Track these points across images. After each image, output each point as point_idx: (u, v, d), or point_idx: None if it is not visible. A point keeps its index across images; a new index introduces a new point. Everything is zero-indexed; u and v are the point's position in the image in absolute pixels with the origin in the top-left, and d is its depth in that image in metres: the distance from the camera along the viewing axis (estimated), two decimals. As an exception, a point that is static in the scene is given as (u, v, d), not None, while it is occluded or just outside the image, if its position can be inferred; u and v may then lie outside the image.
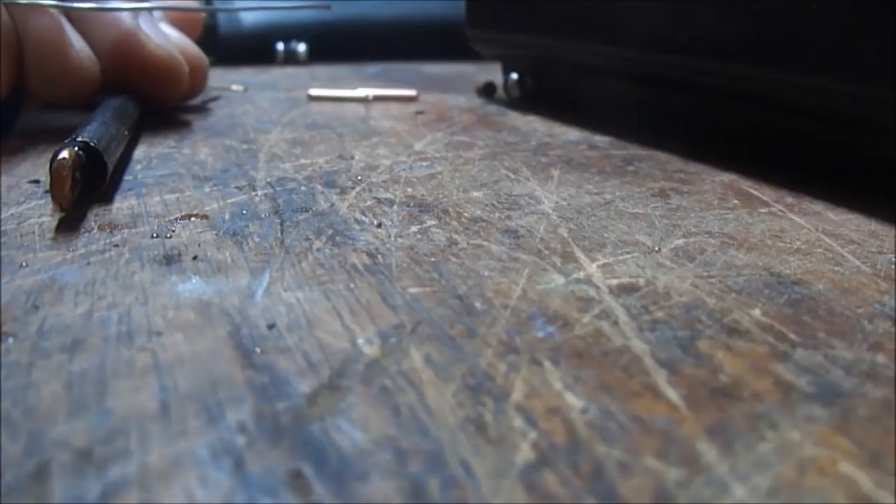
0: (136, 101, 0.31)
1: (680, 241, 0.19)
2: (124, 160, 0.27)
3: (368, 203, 0.22)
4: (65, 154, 0.20)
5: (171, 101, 0.35)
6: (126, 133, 0.26)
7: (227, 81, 0.48)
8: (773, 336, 0.14)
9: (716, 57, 0.27)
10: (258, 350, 0.13)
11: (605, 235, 0.20)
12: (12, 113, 0.31)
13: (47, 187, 0.23)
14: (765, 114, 0.27)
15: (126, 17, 0.32)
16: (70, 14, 0.31)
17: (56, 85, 0.30)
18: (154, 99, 0.34)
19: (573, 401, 0.12)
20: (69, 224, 0.20)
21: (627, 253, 0.19)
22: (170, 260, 0.18)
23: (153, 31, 0.33)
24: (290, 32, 0.62)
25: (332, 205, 0.22)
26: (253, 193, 0.23)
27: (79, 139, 0.21)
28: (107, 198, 0.22)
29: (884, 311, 0.15)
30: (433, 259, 0.18)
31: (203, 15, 0.42)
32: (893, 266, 0.18)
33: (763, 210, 0.22)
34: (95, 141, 0.21)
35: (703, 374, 0.13)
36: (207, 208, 0.21)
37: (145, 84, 0.33)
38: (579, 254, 0.18)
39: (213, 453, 0.10)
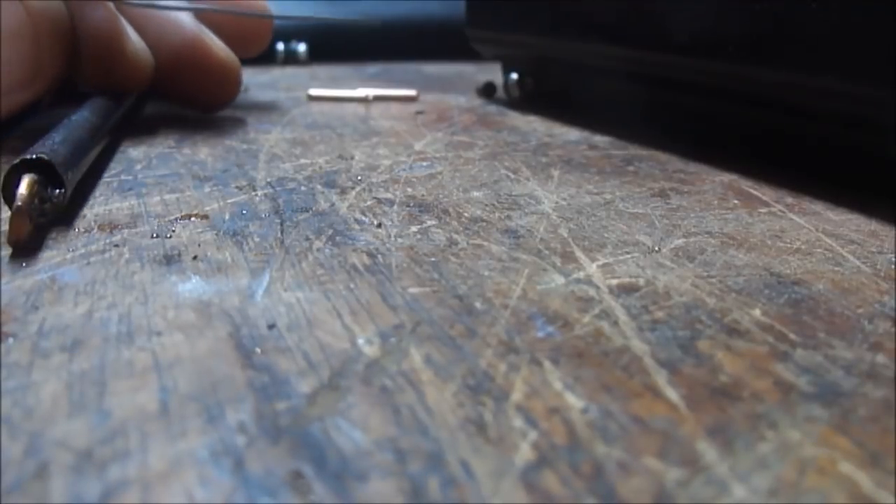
0: (112, 105, 0.30)
1: (680, 241, 0.19)
2: (102, 165, 0.26)
3: (368, 203, 0.22)
4: (23, 190, 0.18)
5: (225, 103, 0.35)
6: (95, 141, 0.25)
7: (227, 81, 0.48)
8: (773, 336, 0.14)
9: (716, 57, 0.27)
10: (258, 350, 0.13)
11: (605, 235, 0.20)
12: (27, 110, 0.31)
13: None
14: (765, 114, 0.27)
15: (188, 20, 0.32)
16: (124, 14, 0.31)
17: (110, 77, 0.30)
18: (210, 102, 0.35)
19: (573, 401, 0.12)
20: (69, 224, 0.20)
21: (627, 253, 0.19)
22: (170, 260, 0.18)
23: (209, 35, 0.33)
24: (290, 32, 0.62)
25: (332, 205, 0.22)
26: (253, 193, 0.23)
27: (35, 160, 0.19)
28: (67, 218, 0.20)
29: (884, 311, 0.15)
30: (433, 259, 0.18)
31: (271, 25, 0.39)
32: (893, 266, 0.18)
33: (763, 210, 0.22)
34: (58, 164, 0.19)
35: (703, 374, 0.13)
36: (207, 208, 0.21)
37: (207, 86, 0.33)
38: (579, 254, 0.18)
39: (213, 453, 0.10)
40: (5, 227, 0.19)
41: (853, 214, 0.22)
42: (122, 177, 0.25)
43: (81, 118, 0.25)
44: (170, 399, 0.12)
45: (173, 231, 0.20)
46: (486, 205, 0.22)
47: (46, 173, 0.19)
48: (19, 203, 0.18)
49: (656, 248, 0.19)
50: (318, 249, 0.18)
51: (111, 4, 0.30)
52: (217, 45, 0.33)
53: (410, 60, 0.62)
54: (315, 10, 0.64)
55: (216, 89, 0.34)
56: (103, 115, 0.27)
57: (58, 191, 0.19)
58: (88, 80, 0.31)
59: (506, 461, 0.10)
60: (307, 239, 0.19)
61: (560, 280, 0.17)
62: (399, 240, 0.19)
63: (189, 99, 0.35)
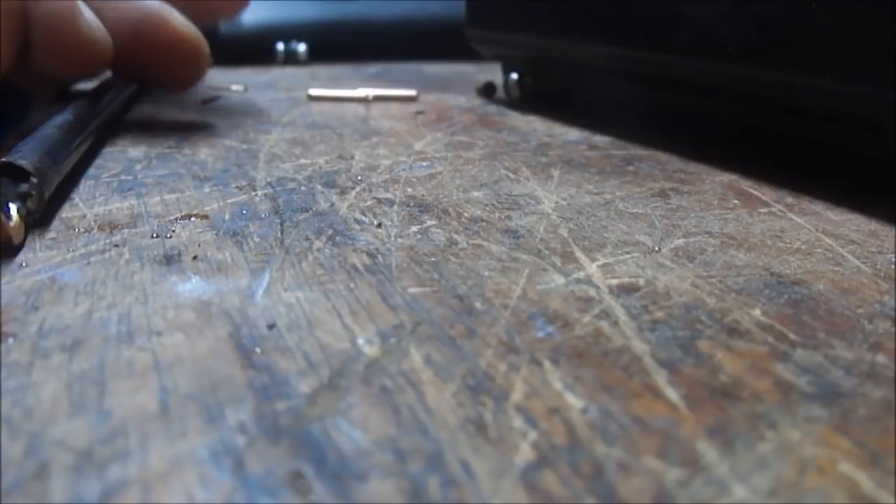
0: (94, 103, 0.29)
1: (680, 241, 0.19)
2: (102, 165, 0.26)
3: (368, 203, 0.22)
4: None
5: (190, 83, 0.34)
6: (72, 137, 0.24)
7: (227, 81, 0.48)
8: (773, 336, 0.14)
9: (716, 57, 0.27)
10: (258, 350, 0.13)
11: (605, 235, 0.20)
12: (19, 112, 0.31)
13: None
14: (765, 114, 0.27)
15: None
16: None
17: (65, 57, 0.28)
18: (174, 82, 0.33)
19: (573, 401, 0.12)
20: (69, 224, 0.20)
21: (627, 253, 0.19)
22: (170, 260, 0.18)
23: (169, 9, 0.31)
24: (290, 32, 0.62)
25: (332, 205, 0.22)
26: (253, 193, 0.23)
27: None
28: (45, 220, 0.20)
29: (884, 311, 0.15)
30: (433, 259, 0.18)
31: None
32: (893, 266, 0.18)
33: (763, 210, 0.22)
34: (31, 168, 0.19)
35: (703, 374, 0.13)
36: (207, 208, 0.21)
37: (169, 65, 0.31)
38: (579, 254, 0.18)
39: (213, 453, 0.10)
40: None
41: (853, 214, 0.22)
42: (122, 177, 0.25)
43: (61, 118, 0.25)
44: (170, 399, 0.12)
45: (173, 231, 0.20)
46: (486, 205, 0.22)
47: (14, 174, 0.19)
48: None
49: (656, 248, 0.19)
50: (318, 249, 0.18)
51: None
52: (177, 20, 0.31)
53: (410, 60, 0.62)
54: (315, 9, 0.64)
55: (179, 67, 0.32)
56: (84, 113, 0.27)
57: (24, 185, 0.19)
58: (41, 64, 0.29)
59: (506, 461, 0.10)
60: (307, 239, 0.19)
61: (560, 280, 0.17)
62: (399, 240, 0.19)
63: (153, 79, 0.33)
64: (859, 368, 0.13)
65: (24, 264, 0.17)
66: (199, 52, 0.32)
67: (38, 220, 0.19)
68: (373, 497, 0.10)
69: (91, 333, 0.14)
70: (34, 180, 0.19)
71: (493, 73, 0.46)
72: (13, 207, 0.18)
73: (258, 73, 0.55)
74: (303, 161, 0.27)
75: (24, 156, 0.19)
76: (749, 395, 0.12)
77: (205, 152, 0.28)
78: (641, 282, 0.17)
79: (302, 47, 0.62)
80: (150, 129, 0.32)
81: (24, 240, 0.18)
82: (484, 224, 0.20)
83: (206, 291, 0.16)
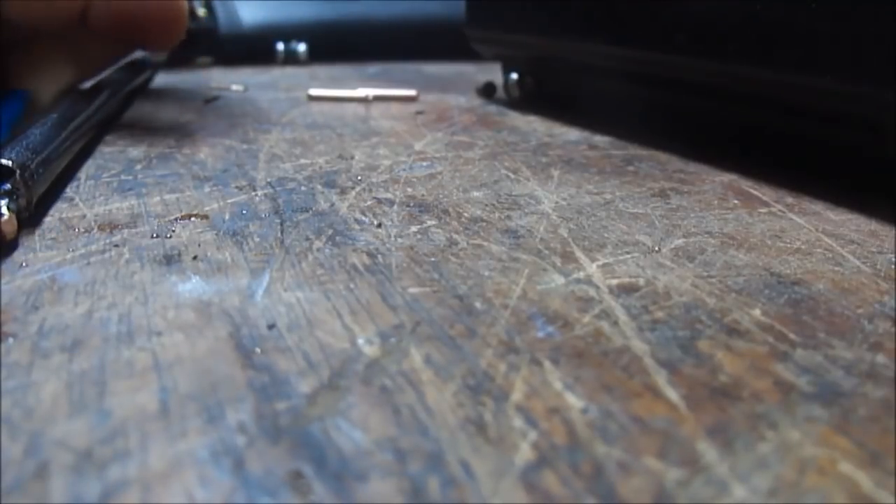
0: (87, 102, 0.29)
1: (680, 241, 0.19)
2: (102, 165, 0.27)
3: (368, 203, 0.22)
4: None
5: (166, 44, 0.32)
6: (58, 132, 0.24)
7: (227, 81, 0.48)
8: (773, 336, 0.14)
9: (716, 57, 0.27)
10: (258, 350, 0.13)
11: (605, 235, 0.20)
12: (20, 112, 0.30)
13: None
14: (765, 114, 0.27)
15: None
16: None
17: None
18: (150, 40, 0.32)
19: (573, 401, 0.12)
20: (69, 224, 0.20)
21: (627, 253, 0.19)
22: (170, 260, 0.18)
23: None
24: (290, 32, 0.62)
25: (332, 205, 0.22)
26: (253, 193, 0.23)
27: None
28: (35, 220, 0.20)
29: (884, 311, 0.15)
30: (433, 259, 0.18)
31: None
32: (893, 266, 0.18)
33: (763, 210, 0.22)
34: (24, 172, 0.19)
35: (703, 374, 0.13)
36: (207, 208, 0.21)
37: (145, 21, 0.30)
38: (579, 254, 0.18)
39: (213, 453, 0.10)
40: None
41: (853, 214, 0.22)
42: (122, 177, 0.25)
43: (50, 116, 0.24)
44: (170, 399, 0.12)
45: (173, 231, 0.20)
46: (486, 205, 0.22)
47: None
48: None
49: (656, 248, 0.19)
50: (318, 249, 0.18)
51: None
52: None
53: (410, 60, 0.62)
54: (315, 9, 0.64)
55: (156, 25, 0.31)
56: (73, 111, 0.26)
57: (9, 183, 0.19)
58: (9, 5, 0.27)
59: (506, 461, 0.10)
60: (307, 239, 0.19)
61: (560, 280, 0.17)
62: (399, 240, 0.19)
63: (128, 36, 0.32)
64: (859, 368, 0.13)
65: (24, 264, 0.17)
66: (177, 11, 0.31)
67: (31, 216, 0.19)
68: (373, 497, 0.10)
69: (91, 333, 0.14)
70: (19, 178, 0.19)
71: (493, 73, 0.46)
72: (2, 204, 0.18)
73: (258, 73, 0.55)
74: (303, 161, 0.27)
75: (7, 154, 0.19)
76: (749, 395, 0.12)
77: (205, 152, 0.28)
78: (641, 282, 0.17)
79: (302, 47, 0.62)
80: (150, 129, 0.32)
81: (18, 236, 0.18)
82: (484, 224, 0.20)
83: (206, 291, 0.16)
